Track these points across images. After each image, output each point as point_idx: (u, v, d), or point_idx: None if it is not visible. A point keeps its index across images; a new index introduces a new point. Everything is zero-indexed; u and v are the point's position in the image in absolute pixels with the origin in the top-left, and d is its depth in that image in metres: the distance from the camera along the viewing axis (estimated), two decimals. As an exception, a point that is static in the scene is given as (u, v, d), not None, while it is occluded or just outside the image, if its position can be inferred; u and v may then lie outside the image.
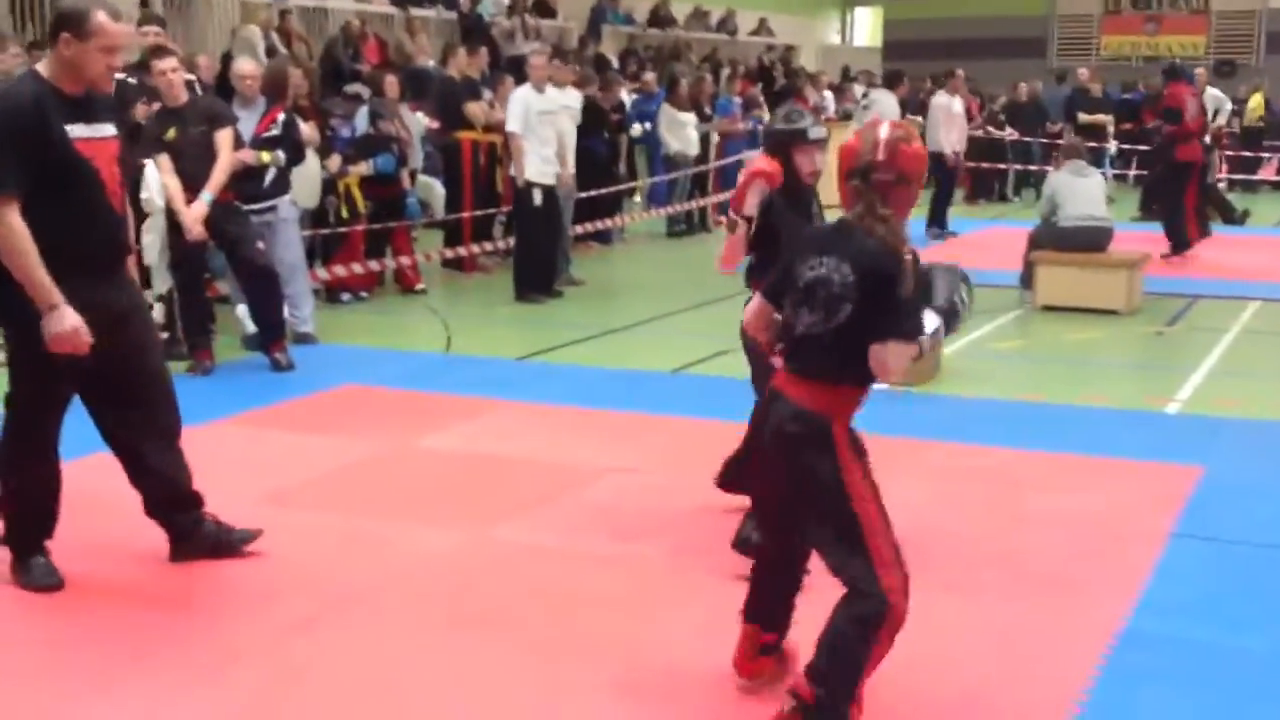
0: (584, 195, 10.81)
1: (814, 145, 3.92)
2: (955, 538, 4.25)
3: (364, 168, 8.89)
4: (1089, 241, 8.67)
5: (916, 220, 11.90)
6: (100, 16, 3.51)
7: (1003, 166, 16.77)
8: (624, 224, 12.34)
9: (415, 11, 14.28)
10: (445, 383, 6.51)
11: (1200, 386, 6.55)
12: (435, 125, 10.38)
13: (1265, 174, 17.23)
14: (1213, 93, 13.80)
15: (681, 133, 12.82)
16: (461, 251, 10.04)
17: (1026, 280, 8.85)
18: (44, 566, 3.76)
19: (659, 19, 19.55)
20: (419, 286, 9.41)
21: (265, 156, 6.98)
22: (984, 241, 12.13)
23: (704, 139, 13.30)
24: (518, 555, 4.09)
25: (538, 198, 8.82)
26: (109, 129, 3.66)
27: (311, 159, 8.06)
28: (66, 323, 3.46)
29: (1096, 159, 13.52)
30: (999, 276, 9.31)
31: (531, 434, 5.55)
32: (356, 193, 8.91)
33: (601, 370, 6.88)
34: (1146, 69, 20.99)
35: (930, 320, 2.86)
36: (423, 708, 3.09)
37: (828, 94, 18.48)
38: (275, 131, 7.09)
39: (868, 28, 28.90)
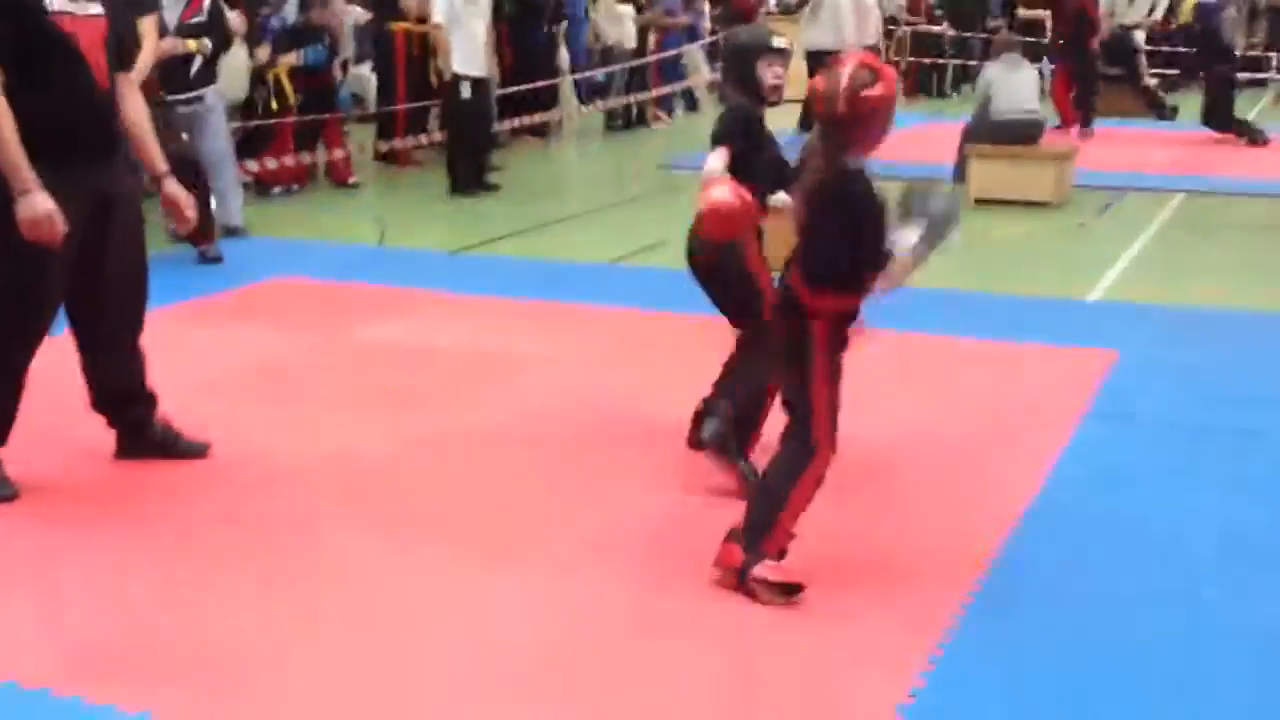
0: (522, 88, 10.68)
1: (777, 56, 3.82)
2: (876, 420, 4.35)
3: (294, 58, 8.70)
4: (1020, 134, 8.78)
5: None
6: None
7: (941, 61, 16.73)
8: (561, 117, 12.22)
9: (345, -104, 13.83)
10: (378, 275, 6.49)
11: (1121, 276, 6.71)
12: (369, 15, 10.16)
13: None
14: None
15: (619, 25, 12.64)
16: (396, 144, 9.91)
17: (960, 173, 8.93)
18: None
19: (597, -93, 19.10)
20: (352, 180, 9.29)
21: (191, 44, 6.81)
22: (921, 136, 12.15)
23: (642, 31, 13.13)
24: (450, 442, 4.15)
25: (466, 90, 8.70)
26: (94, 8, 3.55)
27: (239, 49, 7.87)
28: (39, 207, 3.34)
29: (1035, 54, 13.54)
30: (934, 170, 9.37)
31: (464, 325, 5.57)
32: (286, 83, 8.73)
33: (536, 262, 6.89)
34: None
35: (908, 236, 2.97)
36: (350, 592, 3.15)
37: (769, -14, 18.21)
38: (201, 19, 6.90)
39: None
